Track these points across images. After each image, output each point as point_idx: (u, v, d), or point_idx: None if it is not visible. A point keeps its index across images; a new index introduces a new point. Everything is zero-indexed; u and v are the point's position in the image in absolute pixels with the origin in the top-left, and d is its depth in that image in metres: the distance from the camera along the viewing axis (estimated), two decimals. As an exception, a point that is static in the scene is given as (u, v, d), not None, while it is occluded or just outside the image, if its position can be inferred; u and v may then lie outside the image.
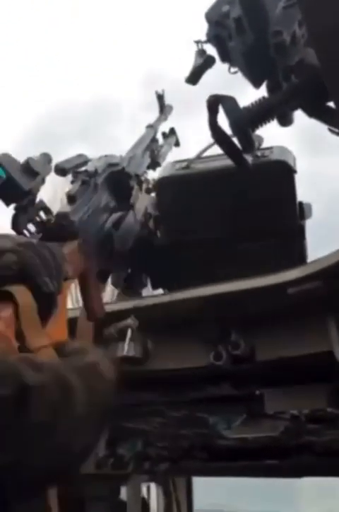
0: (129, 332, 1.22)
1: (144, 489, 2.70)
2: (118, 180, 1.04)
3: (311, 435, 2.05)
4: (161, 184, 1.32)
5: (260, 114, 0.88)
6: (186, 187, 1.29)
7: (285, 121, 0.94)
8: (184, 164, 1.34)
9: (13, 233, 0.86)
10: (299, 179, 1.28)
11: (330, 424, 1.80)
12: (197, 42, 1.01)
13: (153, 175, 1.32)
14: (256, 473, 2.79)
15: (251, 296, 1.12)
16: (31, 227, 0.89)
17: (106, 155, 1.06)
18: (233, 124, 0.86)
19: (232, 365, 1.25)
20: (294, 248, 1.21)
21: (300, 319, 1.16)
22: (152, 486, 2.91)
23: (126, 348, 1.23)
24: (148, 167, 1.25)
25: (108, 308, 1.27)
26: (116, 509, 1.38)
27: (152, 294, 1.35)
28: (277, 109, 0.90)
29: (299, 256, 1.22)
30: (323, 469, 2.44)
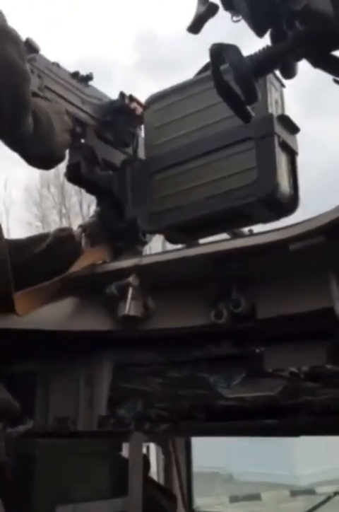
0: (130, 291, 1.22)
1: (144, 449, 2.77)
2: None
3: (308, 394, 2.09)
4: (148, 103, 1.33)
5: (263, 63, 0.86)
6: (170, 101, 1.28)
7: (289, 72, 0.92)
8: None
9: None
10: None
11: (328, 383, 1.83)
12: (199, -11, 0.98)
13: None
14: (254, 432, 2.85)
15: (252, 253, 1.12)
16: None
17: None
18: (237, 74, 0.84)
19: (233, 324, 1.26)
20: (266, 145, 1.14)
21: (301, 276, 1.16)
22: (152, 446, 2.98)
23: (127, 307, 1.23)
24: None
25: (109, 267, 1.28)
26: (118, 465, 1.40)
27: (152, 252, 1.34)
28: (281, 59, 0.88)
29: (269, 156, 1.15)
30: (320, 428, 2.49)
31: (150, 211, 1.23)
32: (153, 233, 1.33)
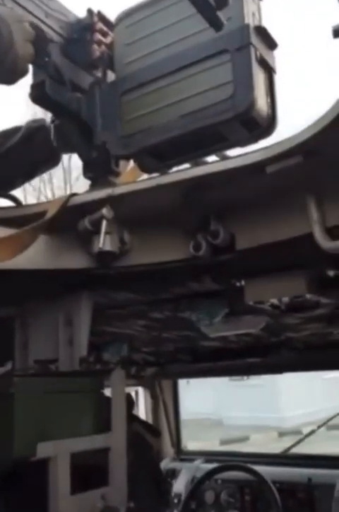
0: (104, 224, 1.17)
1: (132, 394, 2.81)
2: None
3: (290, 331, 2.12)
4: (117, 19, 1.24)
5: None
6: (141, 15, 1.20)
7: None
8: None
9: None
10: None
11: (308, 319, 1.84)
12: None
13: None
14: (239, 372, 2.93)
15: (229, 178, 1.08)
16: None
17: None
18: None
19: (212, 257, 1.23)
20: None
21: (280, 201, 1.12)
22: (140, 391, 3.03)
23: (102, 241, 1.19)
24: None
25: (80, 199, 1.22)
26: (100, 403, 1.40)
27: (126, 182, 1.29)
28: None
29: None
30: (303, 364, 2.55)
31: (120, 134, 1.17)
32: (124, 158, 1.27)
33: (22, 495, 1.20)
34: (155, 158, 1.17)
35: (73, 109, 1.23)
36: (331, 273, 1.29)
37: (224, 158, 1.19)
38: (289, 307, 1.44)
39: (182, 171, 1.12)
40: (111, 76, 1.25)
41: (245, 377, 12.85)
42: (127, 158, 1.27)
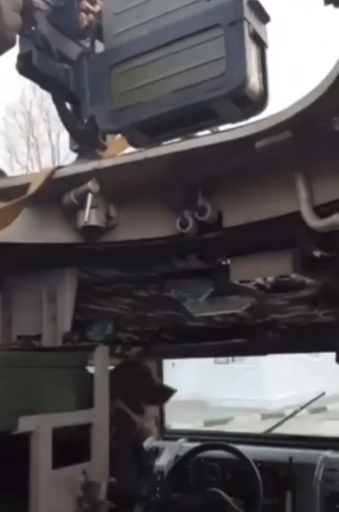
0: (90, 198, 1.15)
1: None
2: None
3: (275, 312, 2.12)
4: None
5: None
6: None
7: None
8: None
9: None
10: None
11: (294, 300, 1.85)
12: None
13: None
14: (224, 352, 2.96)
15: (217, 153, 1.06)
16: None
17: None
18: None
19: (199, 234, 1.21)
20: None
21: (268, 179, 1.11)
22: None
23: (87, 215, 1.17)
24: None
25: (65, 172, 1.20)
26: (84, 379, 1.39)
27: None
28: None
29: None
30: (288, 346, 2.58)
31: (109, 108, 1.13)
32: (113, 132, 1.24)
33: (3, 468, 1.19)
34: (145, 133, 1.14)
35: (60, 80, 1.20)
36: (317, 253, 1.29)
37: (214, 132, 1.17)
38: (274, 287, 1.44)
39: (170, 145, 1.10)
40: (100, 47, 1.21)
41: (230, 360, 13.01)
42: (116, 133, 1.24)
